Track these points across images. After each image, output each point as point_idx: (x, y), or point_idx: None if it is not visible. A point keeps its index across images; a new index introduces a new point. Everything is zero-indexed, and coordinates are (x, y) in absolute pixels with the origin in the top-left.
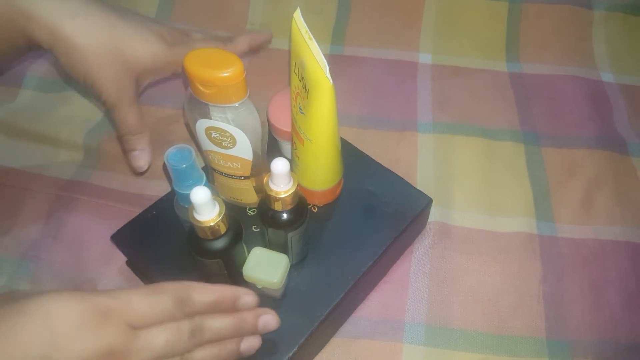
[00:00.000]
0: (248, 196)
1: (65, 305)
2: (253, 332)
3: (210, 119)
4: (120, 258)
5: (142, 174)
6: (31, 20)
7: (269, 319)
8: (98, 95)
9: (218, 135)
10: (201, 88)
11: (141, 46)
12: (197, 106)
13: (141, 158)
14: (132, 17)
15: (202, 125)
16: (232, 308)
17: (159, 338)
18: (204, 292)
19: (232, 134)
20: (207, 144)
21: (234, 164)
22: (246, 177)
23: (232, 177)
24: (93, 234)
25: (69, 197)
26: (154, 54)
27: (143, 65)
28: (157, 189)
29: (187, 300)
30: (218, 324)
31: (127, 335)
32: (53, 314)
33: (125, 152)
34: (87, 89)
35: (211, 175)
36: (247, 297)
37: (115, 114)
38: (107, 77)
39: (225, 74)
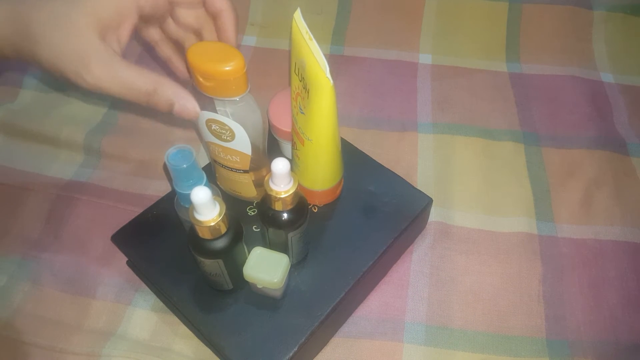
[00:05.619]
0: (247, 190)
1: None
2: None
3: (212, 111)
4: (121, 258)
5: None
6: None
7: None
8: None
9: (218, 127)
10: (202, 80)
11: None
12: (199, 98)
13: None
14: None
15: (203, 116)
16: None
17: None
18: None
19: (231, 127)
20: (207, 136)
21: (233, 157)
22: (245, 171)
23: (232, 170)
24: (93, 234)
25: (69, 197)
26: None
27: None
28: (158, 189)
29: None
30: None
31: None
32: None
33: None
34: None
35: (213, 166)
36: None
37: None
38: (66, 52)
39: (226, 68)
